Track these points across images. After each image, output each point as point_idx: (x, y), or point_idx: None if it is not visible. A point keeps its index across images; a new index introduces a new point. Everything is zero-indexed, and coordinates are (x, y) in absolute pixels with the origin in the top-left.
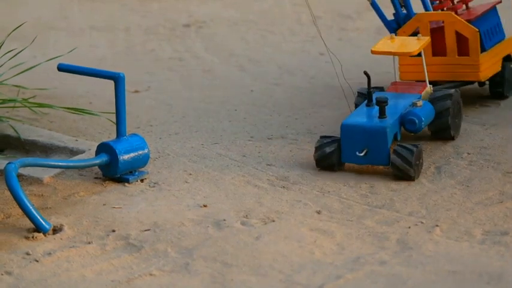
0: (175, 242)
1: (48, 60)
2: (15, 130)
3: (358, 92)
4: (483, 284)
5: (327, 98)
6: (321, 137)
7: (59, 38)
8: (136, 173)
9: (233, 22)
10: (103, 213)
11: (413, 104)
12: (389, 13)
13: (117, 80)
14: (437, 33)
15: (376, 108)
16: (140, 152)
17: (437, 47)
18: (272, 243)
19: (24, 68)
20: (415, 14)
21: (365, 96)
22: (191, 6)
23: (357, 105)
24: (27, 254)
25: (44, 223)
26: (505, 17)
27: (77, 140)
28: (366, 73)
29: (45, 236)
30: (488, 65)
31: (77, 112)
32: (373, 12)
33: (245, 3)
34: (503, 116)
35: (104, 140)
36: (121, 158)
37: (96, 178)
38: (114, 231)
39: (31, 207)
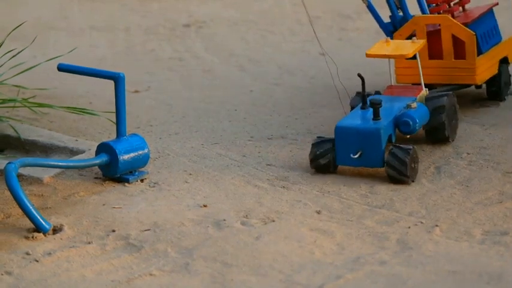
0: (175, 242)
1: (48, 60)
2: (15, 130)
3: (356, 93)
4: (483, 284)
5: (327, 98)
6: (316, 139)
7: (59, 38)
8: (136, 173)
9: (233, 22)
10: (103, 213)
11: (408, 106)
12: (386, 14)
13: (117, 80)
14: (433, 36)
15: (371, 110)
16: (140, 152)
17: (434, 50)
18: (272, 243)
19: (24, 68)
20: (411, 16)
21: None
22: (191, 6)
23: (353, 107)
24: (27, 254)
25: (44, 223)
26: (505, 17)
27: (77, 140)
28: (360, 75)
29: (45, 236)
30: (485, 68)
31: (77, 112)
32: (379, 9)
33: (245, 3)
34: (502, 116)
35: (104, 140)
36: (121, 158)
37: (96, 178)
38: (114, 231)
39: (31, 207)
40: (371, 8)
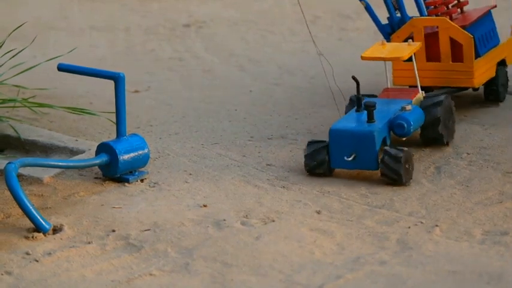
0: (175, 242)
1: (48, 60)
2: (15, 130)
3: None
4: (483, 284)
5: (327, 98)
6: (310, 142)
7: (59, 38)
8: (136, 173)
9: (233, 22)
10: (103, 213)
11: (402, 109)
12: (383, 15)
13: (117, 80)
14: (431, 39)
15: (365, 113)
16: (140, 152)
17: (432, 53)
18: (272, 243)
19: (24, 68)
20: (409, 18)
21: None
22: (191, 6)
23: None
24: (27, 254)
25: (44, 223)
26: (505, 18)
27: (77, 140)
28: (354, 78)
29: (45, 236)
30: (483, 71)
31: (77, 112)
32: (381, 9)
33: (245, 3)
34: (502, 116)
35: (104, 140)
36: (121, 158)
37: (96, 178)
38: (114, 231)
39: (31, 207)
40: (369, 9)
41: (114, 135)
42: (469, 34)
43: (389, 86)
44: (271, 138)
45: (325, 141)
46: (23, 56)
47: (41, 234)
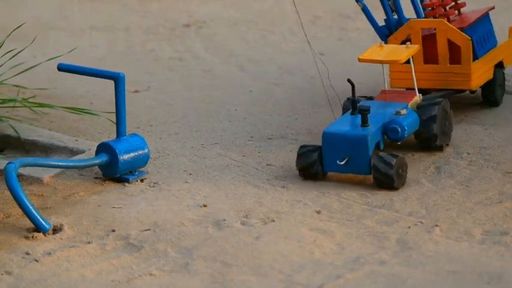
0: (175, 242)
1: (48, 60)
2: (15, 130)
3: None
4: (483, 284)
5: (326, 98)
6: (302, 146)
7: (59, 38)
8: (136, 173)
9: (233, 22)
10: (103, 213)
11: (397, 113)
12: (381, 16)
13: (117, 80)
14: (429, 41)
15: (360, 116)
16: (140, 152)
17: (429, 55)
18: (272, 243)
19: (24, 68)
20: (407, 20)
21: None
22: (191, 6)
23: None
24: (27, 253)
25: (44, 223)
26: (505, 18)
27: (77, 140)
28: (349, 81)
29: (45, 235)
30: (480, 73)
31: (77, 112)
32: (379, 11)
33: (245, 3)
34: (503, 116)
35: (104, 140)
36: (121, 158)
37: (96, 178)
38: (114, 231)
39: (31, 207)
40: (366, 11)
41: (114, 135)
42: (467, 36)
43: (386, 88)
44: (271, 138)
45: (317, 145)
46: (23, 56)
47: (41, 234)
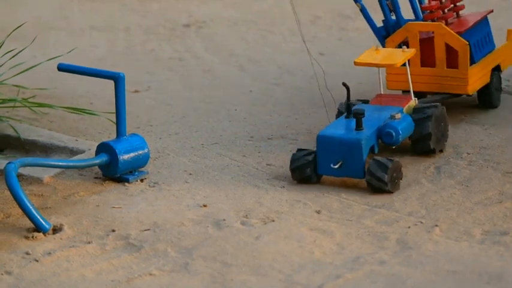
0: (175, 242)
1: (48, 60)
2: (15, 130)
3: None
4: (483, 284)
5: (327, 98)
6: (298, 150)
7: (59, 38)
8: (136, 173)
9: (233, 22)
10: (103, 213)
11: (392, 117)
12: (379, 17)
13: (117, 80)
14: (426, 44)
15: (354, 120)
16: (140, 152)
17: (426, 58)
18: (272, 243)
19: (24, 68)
20: (405, 21)
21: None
22: (191, 6)
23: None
24: (27, 253)
25: (43, 223)
26: (505, 18)
27: (77, 140)
28: (344, 84)
29: (45, 235)
30: (477, 77)
31: (77, 112)
32: (377, 12)
33: (245, 3)
34: (502, 116)
35: (104, 140)
36: (121, 158)
37: (96, 178)
38: (114, 231)
39: (31, 207)
40: (364, 12)
41: (114, 135)
42: (465, 41)
43: (382, 92)
44: (271, 138)
45: (311, 149)
46: (23, 56)
47: (41, 234)
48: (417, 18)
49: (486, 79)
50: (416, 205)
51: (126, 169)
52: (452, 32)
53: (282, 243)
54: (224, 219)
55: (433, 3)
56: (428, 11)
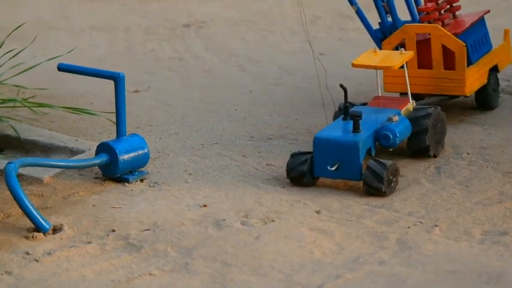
0: (175, 242)
1: (48, 60)
2: (15, 130)
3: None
4: (482, 284)
5: (327, 98)
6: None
7: (59, 38)
8: (136, 173)
9: (233, 22)
10: (103, 213)
11: (389, 119)
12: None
13: (117, 80)
14: (423, 46)
15: (352, 122)
16: (140, 152)
17: (423, 60)
18: (272, 243)
19: (24, 68)
20: (401, 23)
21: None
22: (191, 6)
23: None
24: (27, 253)
25: (43, 223)
26: (505, 18)
27: (77, 140)
28: (342, 86)
29: (45, 235)
30: (475, 79)
31: (76, 112)
32: (373, 13)
33: (245, 3)
34: (502, 116)
35: (104, 140)
36: (121, 158)
37: (96, 178)
38: (114, 231)
39: (31, 207)
40: (360, 14)
41: (114, 135)
42: (462, 42)
43: (380, 94)
44: (271, 138)
45: (308, 151)
46: (23, 56)
47: (41, 234)
48: (413, 19)
49: (483, 80)
50: (416, 205)
51: (126, 169)
52: (449, 33)
53: (282, 243)
54: (224, 219)
55: (429, 4)
56: (424, 13)
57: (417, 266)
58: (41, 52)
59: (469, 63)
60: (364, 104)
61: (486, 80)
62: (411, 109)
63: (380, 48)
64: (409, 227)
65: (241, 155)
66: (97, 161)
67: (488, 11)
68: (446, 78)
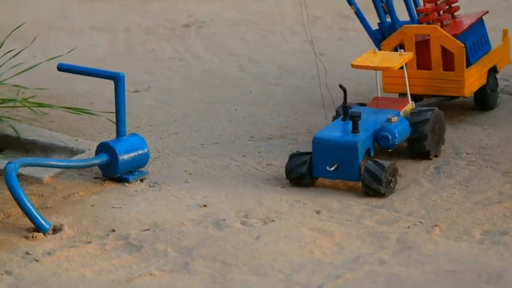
0: (175, 242)
1: (48, 60)
2: (15, 130)
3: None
4: (482, 284)
5: (327, 98)
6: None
7: (59, 38)
8: (136, 173)
9: (233, 22)
10: (103, 213)
11: (388, 120)
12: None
13: (117, 80)
14: (422, 47)
15: (351, 122)
16: (140, 152)
17: (423, 61)
18: (272, 243)
19: (24, 68)
20: (400, 24)
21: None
22: (191, 6)
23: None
24: (27, 253)
25: (43, 223)
26: (505, 18)
27: (77, 140)
28: (341, 87)
29: (45, 235)
30: (474, 79)
31: (76, 112)
32: (372, 13)
33: (245, 3)
34: (502, 116)
35: (104, 140)
36: (121, 157)
37: (96, 178)
38: (114, 231)
39: (31, 207)
40: (359, 15)
41: (114, 135)
42: (461, 43)
43: (379, 95)
44: (271, 138)
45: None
46: (23, 56)
47: (41, 234)
48: (412, 20)
49: (483, 80)
50: (416, 205)
51: (126, 169)
52: (448, 34)
53: (282, 243)
54: (224, 219)
55: (428, 5)
56: (423, 14)
57: (417, 266)
58: (41, 52)
59: (468, 64)
60: (362, 104)
61: (485, 81)
62: (409, 110)
63: (379, 49)
64: (409, 227)
65: (241, 155)
66: (97, 161)
67: (487, 12)
68: (445, 79)
